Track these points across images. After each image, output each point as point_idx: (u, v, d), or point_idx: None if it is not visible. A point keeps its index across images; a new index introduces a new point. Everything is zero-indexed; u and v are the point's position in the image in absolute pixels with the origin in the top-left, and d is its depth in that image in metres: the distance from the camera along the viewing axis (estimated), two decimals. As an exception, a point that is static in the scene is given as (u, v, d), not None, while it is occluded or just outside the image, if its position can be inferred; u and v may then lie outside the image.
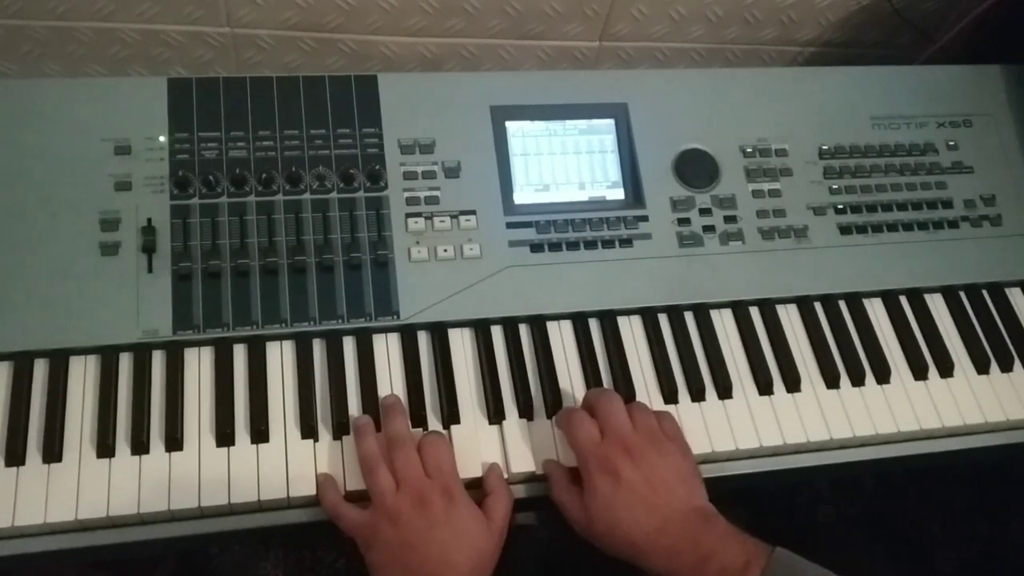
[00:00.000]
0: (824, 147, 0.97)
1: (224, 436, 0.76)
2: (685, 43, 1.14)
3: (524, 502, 0.79)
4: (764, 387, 0.86)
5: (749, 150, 0.95)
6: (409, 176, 0.88)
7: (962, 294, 0.95)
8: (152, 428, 0.76)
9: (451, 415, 0.80)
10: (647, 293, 0.88)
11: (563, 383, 0.84)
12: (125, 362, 0.79)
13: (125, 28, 0.99)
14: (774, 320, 0.90)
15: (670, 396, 0.84)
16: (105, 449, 0.75)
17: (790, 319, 0.90)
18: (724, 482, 0.82)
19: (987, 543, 1.24)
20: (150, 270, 0.80)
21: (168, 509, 0.73)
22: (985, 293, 0.96)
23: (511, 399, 0.82)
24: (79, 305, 0.78)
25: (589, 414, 0.77)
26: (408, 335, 0.83)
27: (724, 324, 0.89)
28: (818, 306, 0.92)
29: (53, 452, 0.74)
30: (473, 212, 0.88)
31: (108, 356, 0.78)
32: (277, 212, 0.84)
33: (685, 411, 0.83)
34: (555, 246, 0.88)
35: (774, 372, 0.87)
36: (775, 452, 0.84)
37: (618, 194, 0.93)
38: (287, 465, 0.76)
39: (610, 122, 0.94)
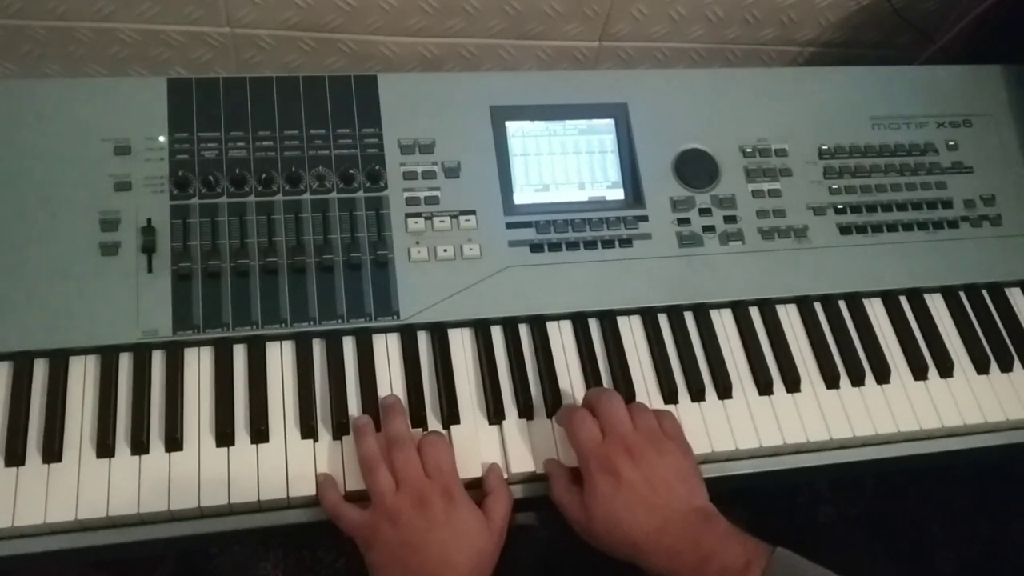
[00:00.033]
0: (824, 147, 0.97)
1: (224, 436, 0.76)
2: (685, 43, 1.14)
3: (524, 502, 0.79)
4: (764, 387, 0.86)
5: (749, 150, 0.95)
6: (409, 176, 0.88)
7: (962, 294, 0.95)
8: (152, 428, 0.76)
9: (451, 415, 0.80)
10: (647, 293, 0.88)
11: (563, 383, 0.84)
12: (125, 362, 0.79)
13: (125, 28, 0.99)
14: (774, 320, 0.90)
15: (670, 396, 0.84)
16: (105, 449, 0.75)
17: (790, 319, 0.90)
18: (724, 482, 0.82)
19: (987, 543, 1.24)
20: (150, 270, 0.80)
21: (168, 509, 0.73)
22: (985, 293, 0.96)
23: (511, 399, 0.82)
24: (79, 305, 0.78)
25: (590, 413, 0.77)
26: (408, 335, 0.83)
27: (724, 324, 0.89)
28: (818, 306, 0.92)
29: (53, 452, 0.74)
30: (473, 212, 0.88)
31: (108, 356, 0.78)
32: (277, 212, 0.84)
33: (685, 411, 0.83)
34: (555, 246, 0.88)
35: (774, 372, 0.87)
36: (775, 452, 0.84)
37: (618, 194, 0.93)
38: (287, 465, 0.76)
39: (610, 122, 0.94)
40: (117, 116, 0.85)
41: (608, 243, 0.89)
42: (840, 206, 0.95)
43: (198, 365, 0.79)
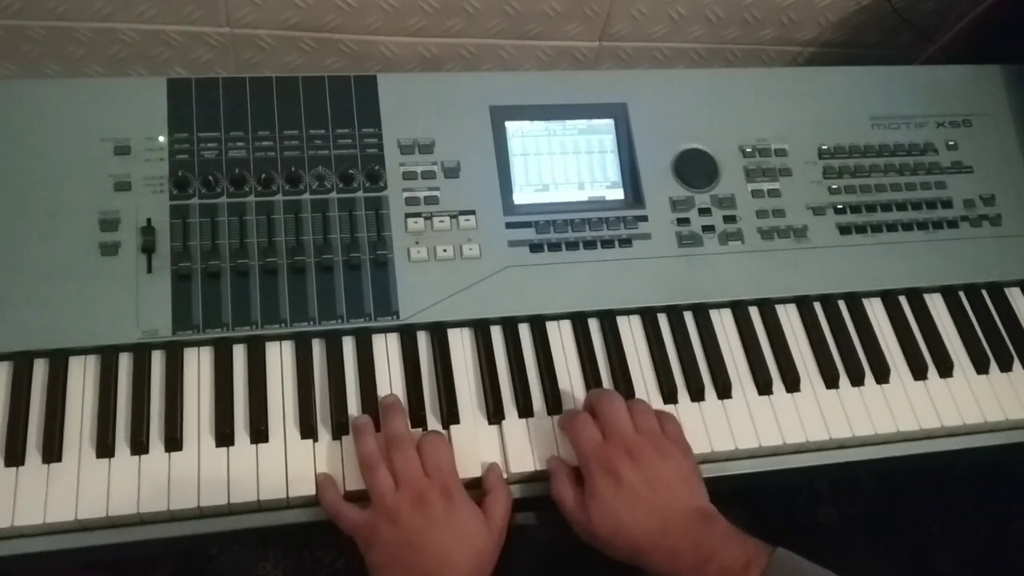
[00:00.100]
0: (824, 147, 0.97)
1: (223, 436, 0.76)
2: (685, 43, 1.14)
3: (524, 502, 0.79)
4: (763, 387, 0.86)
5: (749, 150, 0.95)
6: (408, 176, 0.88)
7: (961, 294, 0.95)
8: (152, 428, 0.76)
9: (450, 415, 0.80)
10: (646, 293, 0.88)
11: (563, 383, 0.84)
12: (125, 362, 0.79)
13: (125, 28, 1.00)
14: (773, 320, 0.90)
15: (669, 396, 0.84)
16: (105, 449, 0.75)
17: (789, 319, 0.90)
18: (724, 482, 0.82)
19: (987, 543, 1.24)
20: (149, 270, 0.80)
21: (168, 509, 0.73)
22: (984, 293, 0.96)
23: (510, 399, 0.82)
24: (79, 305, 0.78)
25: (591, 415, 0.77)
26: (407, 335, 0.83)
27: (723, 324, 0.89)
28: (817, 306, 0.92)
29: (53, 452, 0.74)
30: (472, 212, 0.88)
31: (108, 356, 0.78)
32: (276, 212, 0.84)
33: (684, 411, 0.83)
34: (554, 246, 0.88)
35: (773, 372, 0.87)
36: (775, 452, 0.84)
37: (617, 194, 0.93)
38: (286, 465, 0.76)
39: (609, 122, 0.94)
40: (117, 116, 0.85)
41: (608, 243, 0.89)
42: (840, 206, 0.95)
43: (198, 365, 0.79)
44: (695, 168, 0.94)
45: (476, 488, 0.77)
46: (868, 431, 0.85)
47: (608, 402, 0.77)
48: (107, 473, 0.74)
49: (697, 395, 0.85)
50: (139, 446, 0.75)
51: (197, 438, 0.76)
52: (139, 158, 0.84)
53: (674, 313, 0.89)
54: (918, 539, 1.25)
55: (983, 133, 1.01)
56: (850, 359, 0.89)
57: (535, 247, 0.88)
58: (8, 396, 0.76)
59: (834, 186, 0.96)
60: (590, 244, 0.89)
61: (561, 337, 0.86)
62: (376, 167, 0.87)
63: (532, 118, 0.93)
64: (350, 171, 0.86)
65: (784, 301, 0.91)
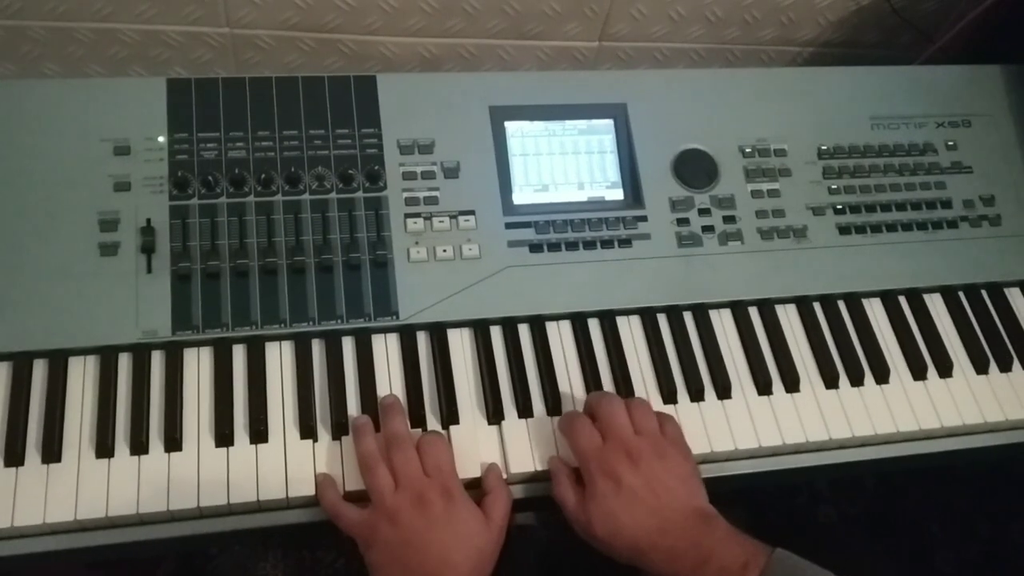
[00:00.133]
0: (823, 147, 0.97)
1: (223, 436, 0.76)
2: (684, 43, 1.14)
3: (524, 502, 0.79)
4: (763, 387, 0.86)
5: (748, 150, 0.95)
6: (408, 176, 0.88)
7: (961, 294, 0.95)
8: (151, 428, 0.76)
9: (450, 415, 0.80)
10: (646, 293, 0.88)
11: (562, 383, 0.84)
12: (124, 362, 0.79)
13: (124, 28, 1.00)
14: (773, 320, 0.90)
15: (669, 396, 0.84)
16: (104, 449, 0.75)
17: (789, 319, 0.90)
18: (724, 482, 0.82)
19: (987, 543, 1.24)
20: (149, 270, 0.80)
21: (167, 509, 0.73)
22: (984, 293, 0.96)
23: (510, 399, 0.82)
24: (78, 305, 0.78)
25: (591, 418, 0.77)
26: (407, 335, 0.84)
27: (723, 324, 0.89)
28: (817, 306, 0.92)
29: (52, 452, 0.74)
30: (472, 212, 0.88)
31: (107, 356, 0.78)
32: (276, 212, 0.84)
33: (684, 411, 0.84)
34: (554, 246, 0.88)
35: (773, 372, 0.87)
36: (774, 452, 0.84)
37: (617, 194, 0.93)
38: (286, 465, 0.76)
39: (609, 122, 0.94)
40: (117, 116, 0.85)
41: (607, 243, 0.89)
42: (839, 206, 0.95)
43: (197, 365, 0.79)
44: (695, 168, 0.94)
45: (476, 488, 0.77)
46: (868, 431, 0.85)
47: (607, 404, 0.77)
48: (107, 473, 0.74)
49: (697, 395, 0.85)
50: (139, 446, 0.75)
51: (197, 438, 0.76)
52: (139, 158, 0.84)
53: (674, 313, 0.89)
54: (918, 539, 1.25)
55: (983, 133, 1.01)
56: (850, 359, 0.89)
57: (535, 247, 0.88)
58: (8, 396, 0.76)
59: (834, 186, 0.96)
60: (590, 244, 0.89)
61: (561, 337, 0.86)
62: (376, 167, 0.87)
63: (532, 118, 0.93)
64: (350, 171, 0.87)
65: (784, 301, 0.91)
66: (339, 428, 0.78)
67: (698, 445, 0.81)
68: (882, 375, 0.88)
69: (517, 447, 0.80)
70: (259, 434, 0.77)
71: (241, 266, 0.81)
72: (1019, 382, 0.90)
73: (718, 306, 0.90)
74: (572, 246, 0.88)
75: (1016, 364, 0.92)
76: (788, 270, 0.91)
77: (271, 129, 0.87)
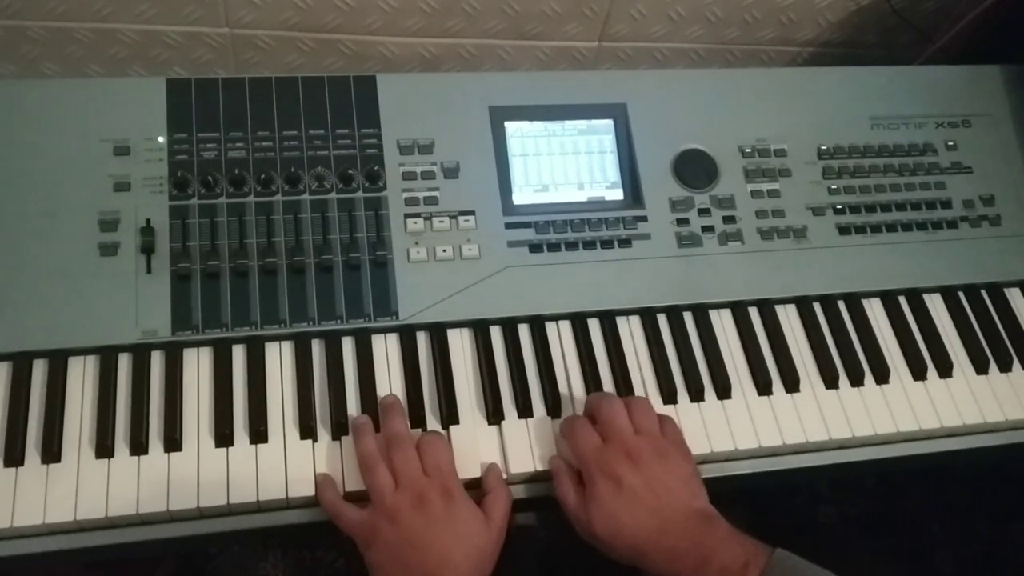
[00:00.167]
0: (823, 147, 0.97)
1: (223, 437, 0.76)
2: (684, 43, 1.14)
3: (524, 502, 0.79)
4: (763, 387, 0.86)
5: (748, 150, 0.95)
6: (408, 176, 0.88)
7: (961, 294, 0.95)
8: (151, 429, 0.76)
9: (450, 415, 0.80)
10: (646, 293, 0.88)
11: (562, 384, 0.84)
12: (124, 362, 0.79)
13: (124, 29, 1.00)
14: (773, 320, 0.90)
15: (669, 396, 0.84)
16: (104, 450, 0.75)
17: (789, 319, 0.90)
18: (724, 482, 0.82)
19: (987, 543, 1.24)
20: (149, 271, 0.80)
21: (167, 510, 0.73)
22: (984, 293, 0.96)
23: (510, 400, 0.82)
24: (78, 305, 0.78)
25: (591, 419, 0.77)
26: (407, 335, 0.83)
27: (723, 324, 0.89)
28: (817, 306, 0.92)
29: (52, 452, 0.74)
30: (472, 212, 0.88)
31: (107, 356, 0.78)
32: (276, 213, 0.84)
33: (684, 411, 0.84)
34: (554, 246, 0.88)
35: (773, 372, 0.87)
36: (774, 452, 0.84)
37: (617, 194, 0.93)
38: (286, 466, 0.76)
39: (609, 122, 0.94)
40: (116, 117, 0.85)
41: (607, 243, 0.89)
42: (839, 206, 0.95)
43: (197, 365, 0.79)
44: (695, 168, 0.94)
45: (476, 488, 0.77)
46: (868, 431, 0.85)
47: (607, 405, 0.77)
48: (106, 474, 0.74)
49: (697, 396, 0.85)
50: (138, 446, 0.75)
51: (196, 439, 0.76)
52: (139, 158, 0.84)
53: (674, 313, 0.89)
54: (918, 539, 1.25)
55: (982, 133, 1.01)
56: (850, 359, 0.89)
57: (534, 247, 0.88)
58: (7, 396, 0.76)
59: (833, 186, 0.96)
60: (589, 244, 0.89)
61: (560, 338, 0.86)
62: (375, 167, 0.87)
63: (531, 118, 0.93)
64: (349, 171, 0.86)
65: (784, 301, 0.91)
66: (339, 428, 0.78)
67: (698, 445, 0.81)
68: (882, 375, 0.88)
69: (517, 447, 0.80)
70: (259, 434, 0.77)
71: (241, 266, 0.81)
72: (1019, 382, 0.90)
73: (718, 306, 0.90)
74: (572, 246, 0.88)
75: (1016, 364, 0.92)
76: (788, 270, 0.91)
77: (271, 129, 0.87)
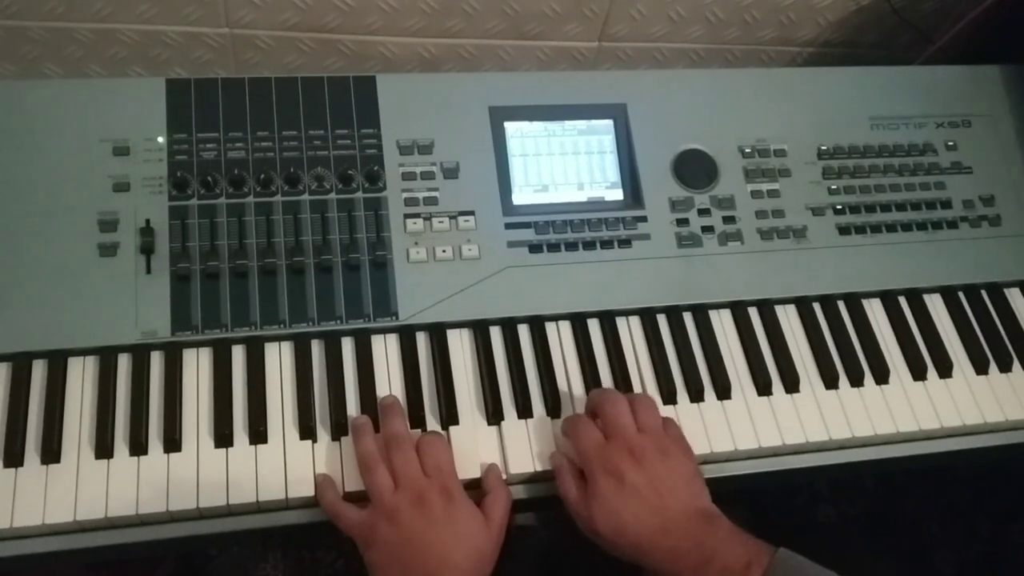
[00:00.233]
0: (823, 147, 0.97)
1: (222, 437, 0.76)
2: (684, 43, 1.14)
3: (524, 502, 0.79)
4: (763, 388, 0.86)
5: (748, 150, 0.95)
6: (408, 177, 0.88)
7: (961, 294, 0.95)
8: (151, 429, 0.76)
9: (450, 416, 0.80)
10: (646, 294, 0.88)
11: (562, 384, 0.84)
12: (124, 363, 0.79)
13: (124, 29, 1.00)
14: (773, 321, 0.90)
15: (669, 397, 0.84)
16: (104, 450, 0.75)
17: (789, 320, 0.90)
18: (724, 482, 0.82)
19: (987, 543, 1.24)
20: (148, 271, 0.80)
21: (167, 510, 0.73)
22: (984, 293, 0.96)
23: (510, 400, 0.82)
24: (78, 306, 0.78)
25: (593, 415, 0.77)
26: (407, 336, 0.83)
27: (723, 325, 0.89)
28: (817, 307, 0.92)
29: (52, 453, 0.74)
30: (472, 213, 0.88)
31: (107, 357, 0.78)
32: (276, 213, 0.84)
33: (684, 412, 0.83)
34: (554, 247, 0.88)
35: (773, 373, 0.87)
36: (774, 453, 0.84)
37: (617, 195, 0.93)
38: (286, 466, 0.76)
39: (609, 123, 0.94)
40: (116, 117, 0.85)
41: (607, 244, 0.89)
42: (839, 206, 0.95)
43: (197, 366, 0.79)
44: (694, 168, 0.94)
45: (475, 489, 0.77)
46: (868, 432, 0.85)
47: (610, 403, 0.76)
48: (106, 474, 0.74)
49: (696, 396, 0.85)
50: (138, 447, 0.75)
51: (196, 439, 0.76)
52: (138, 159, 0.84)
53: (673, 314, 0.89)
54: (918, 539, 1.25)
55: (982, 133, 1.01)
56: (849, 360, 0.89)
57: (534, 248, 0.87)
58: (7, 397, 0.76)
59: (833, 187, 0.96)
60: (589, 245, 0.89)
61: (560, 338, 0.86)
62: (375, 168, 0.87)
63: (531, 118, 0.93)
64: (349, 172, 0.86)
65: (783, 302, 0.91)
66: (338, 429, 0.78)
67: (698, 446, 0.81)
68: (882, 375, 0.88)
69: (517, 448, 0.80)
70: (258, 435, 0.77)
71: (240, 267, 0.81)
72: (1019, 382, 0.90)
73: (718, 306, 0.90)
74: (572, 246, 0.88)
75: (1016, 364, 0.92)
76: (788, 270, 0.91)
77: (270, 130, 0.87)
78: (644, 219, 0.91)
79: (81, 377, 0.78)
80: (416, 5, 1.01)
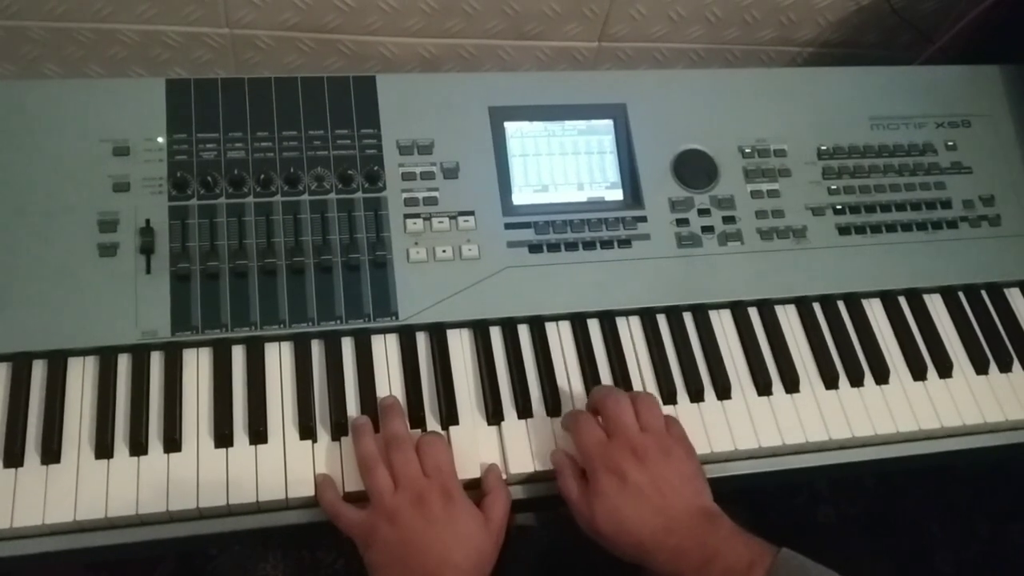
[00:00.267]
0: (823, 147, 0.97)
1: (222, 437, 0.76)
2: (684, 44, 1.14)
3: (524, 503, 0.79)
4: (763, 388, 0.86)
5: (748, 150, 0.95)
6: (407, 177, 0.88)
7: (961, 294, 0.95)
8: (151, 429, 0.76)
9: (450, 416, 0.80)
10: (646, 294, 0.88)
11: (562, 384, 0.84)
12: (124, 363, 0.79)
13: (124, 29, 1.00)
14: (773, 321, 0.90)
15: (669, 397, 0.84)
16: (104, 450, 0.75)
17: (789, 320, 0.90)
18: (724, 482, 0.82)
19: (987, 543, 1.24)
20: (148, 271, 0.80)
21: (167, 510, 0.73)
22: (984, 293, 0.96)
23: (510, 400, 0.82)
24: (78, 306, 0.78)
25: (595, 413, 0.77)
26: (407, 336, 0.83)
27: (723, 325, 0.89)
28: (817, 307, 0.92)
29: (52, 453, 0.74)
30: (472, 213, 0.88)
31: (107, 357, 0.78)
32: (275, 213, 0.84)
33: (684, 412, 0.83)
34: (554, 247, 0.88)
35: (773, 373, 0.87)
36: (774, 453, 0.84)
37: (617, 195, 0.93)
38: (285, 466, 0.76)
39: (609, 123, 0.94)
40: (116, 117, 0.85)
41: (607, 244, 0.89)
42: (839, 206, 0.95)
43: (197, 366, 0.79)
44: (694, 168, 0.94)
45: (475, 489, 0.77)
46: (868, 432, 0.85)
47: (613, 400, 0.76)
48: (106, 474, 0.74)
49: (696, 396, 0.85)
50: (138, 447, 0.75)
51: (196, 439, 0.76)
52: (138, 159, 0.84)
53: (673, 314, 0.89)
54: (918, 539, 1.25)
55: (982, 133, 1.01)
56: (849, 360, 0.89)
57: (534, 248, 0.87)
58: (7, 397, 0.76)
59: (833, 187, 0.96)
60: (589, 245, 0.89)
61: (560, 338, 0.86)
62: (375, 168, 0.87)
63: (531, 119, 0.93)
64: (349, 172, 0.86)
65: (783, 302, 0.91)
66: (338, 429, 0.78)
67: (698, 445, 0.80)
68: (882, 375, 0.88)
69: (517, 448, 0.80)
70: (258, 435, 0.77)
71: (240, 267, 0.81)
72: (1019, 382, 0.90)
73: (718, 306, 0.90)
74: (572, 247, 0.88)
75: (1016, 364, 0.92)
76: (788, 270, 0.91)
77: (270, 130, 0.87)
78: (644, 219, 0.91)
79: (81, 377, 0.78)
80: (416, 5, 1.01)
